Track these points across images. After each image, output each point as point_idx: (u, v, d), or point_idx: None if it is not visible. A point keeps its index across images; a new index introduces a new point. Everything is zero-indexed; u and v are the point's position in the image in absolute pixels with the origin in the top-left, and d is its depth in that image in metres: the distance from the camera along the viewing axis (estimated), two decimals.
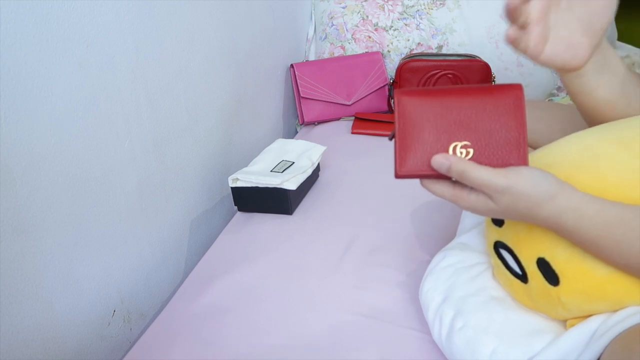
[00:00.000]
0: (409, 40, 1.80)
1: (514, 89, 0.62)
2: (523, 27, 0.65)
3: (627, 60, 1.78)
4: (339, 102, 1.74)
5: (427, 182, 0.64)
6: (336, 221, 1.19)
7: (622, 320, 0.65)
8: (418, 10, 1.80)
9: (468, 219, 0.96)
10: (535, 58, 0.68)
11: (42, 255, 0.82)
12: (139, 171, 1.02)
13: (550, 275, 0.69)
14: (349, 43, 1.82)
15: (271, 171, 1.25)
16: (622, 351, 0.61)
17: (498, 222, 0.76)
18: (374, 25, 1.81)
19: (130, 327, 1.04)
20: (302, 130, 1.74)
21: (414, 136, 0.62)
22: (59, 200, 0.84)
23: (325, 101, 1.73)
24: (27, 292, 0.80)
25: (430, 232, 1.12)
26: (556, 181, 0.62)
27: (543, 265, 0.69)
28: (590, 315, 0.70)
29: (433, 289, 0.83)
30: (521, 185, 0.60)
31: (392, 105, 0.65)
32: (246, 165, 1.30)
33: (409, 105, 0.63)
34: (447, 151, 0.62)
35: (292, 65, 1.74)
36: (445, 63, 1.69)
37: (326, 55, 1.85)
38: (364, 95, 1.76)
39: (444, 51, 1.79)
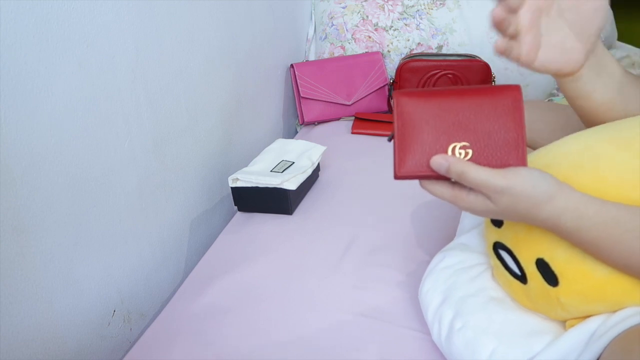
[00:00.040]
0: (409, 40, 1.80)
1: (512, 90, 0.62)
2: (514, 36, 0.65)
3: (627, 60, 1.78)
4: (339, 102, 1.74)
5: (426, 183, 0.64)
6: (336, 221, 1.20)
7: (622, 320, 0.65)
8: (418, 10, 1.80)
9: (467, 219, 0.96)
10: (528, 65, 0.68)
11: (42, 255, 0.82)
12: (139, 171, 1.02)
13: (550, 276, 0.69)
14: (349, 43, 1.82)
15: (271, 171, 1.25)
16: (622, 352, 0.61)
17: (497, 223, 0.76)
18: (374, 25, 1.81)
19: (130, 327, 1.04)
20: (302, 130, 1.74)
21: (413, 137, 0.62)
22: (59, 200, 0.84)
23: (325, 101, 1.74)
24: (27, 292, 0.80)
25: (430, 232, 1.12)
26: (555, 182, 0.62)
27: (542, 266, 0.69)
28: (589, 316, 0.70)
29: (432, 289, 0.83)
30: (520, 185, 0.60)
31: (392, 105, 0.65)
32: (246, 165, 1.30)
33: (408, 107, 0.63)
34: (446, 152, 0.62)
35: (292, 65, 1.74)
36: (445, 63, 1.69)
37: (326, 55, 1.85)
38: (364, 95, 1.76)
39: (444, 51, 1.79)
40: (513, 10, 0.64)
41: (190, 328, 0.93)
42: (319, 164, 1.36)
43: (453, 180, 0.63)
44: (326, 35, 1.85)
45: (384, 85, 1.78)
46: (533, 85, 1.75)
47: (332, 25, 1.84)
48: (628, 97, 0.73)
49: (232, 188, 1.24)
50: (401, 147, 0.63)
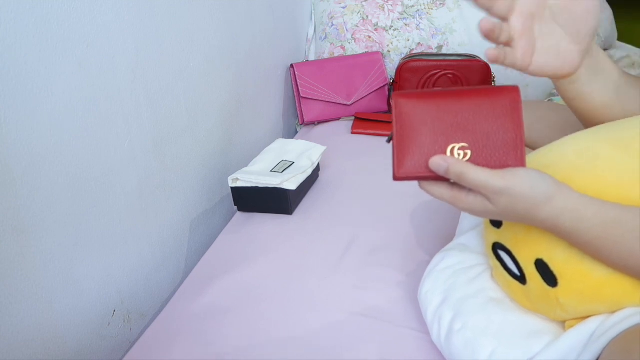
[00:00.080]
0: (409, 40, 1.80)
1: (511, 91, 0.62)
2: (508, 43, 0.66)
3: (627, 60, 1.78)
4: (339, 102, 1.74)
5: (425, 184, 0.64)
6: (336, 221, 1.20)
7: (621, 321, 0.65)
8: (418, 10, 1.80)
9: (467, 220, 0.96)
10: (524, 69, 0.68)
11: (42, 255, 0.82)
12: (139, 171, 1.02)
13: (549, 276, 0.69)
14: (349, 43, 1.82)
15: (271, 171, 1.25)
16: (621, 352, 0.61)
17: (496, 224, 0.76)
18: (374, 25, 1.81)
19: (130, 327, 1.04)
20: (302, 130, 1.75)
21: (411, 138, 0.63)
22: (59, 200, 0.84)
23: (325, 101, 1.74)
24: (27, 292, 0.80)
25: (430, 232, 1.12)
26: (554, 182, 0.62)
27: (541, 267, 0.69)
28: (588, 317, 0.70)
29: (432, 290, 0.84)
30: (519, 186, 0.60)
31: (391, 106, 0.65)
32: (246, 165, 1.30)
33: (407, 108, 0.63)
34: (444, 153, 0.62)
35: (292, 65, 1.74)
36: (445, 63, 1.69)
37: (326, 55, 1.85)
38: (364, 95, 1.76)
39: (444, 51, 1.79)
40: (503, 18, 0.64)
41: (190, 328, 0.93)
42: (319, 164, 1.36)
43: (452, 181, 0.63)
44: (326, 35, 1.86)
45: (384, 85, 1.78)
46: (533, 85, 1.75)
47: (332, 25, 1.84)
48: (626, 98, 0.73)
49: (232, 188, 1.24)
50: (400, 148, 0.63)
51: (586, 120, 0.76)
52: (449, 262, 0.86)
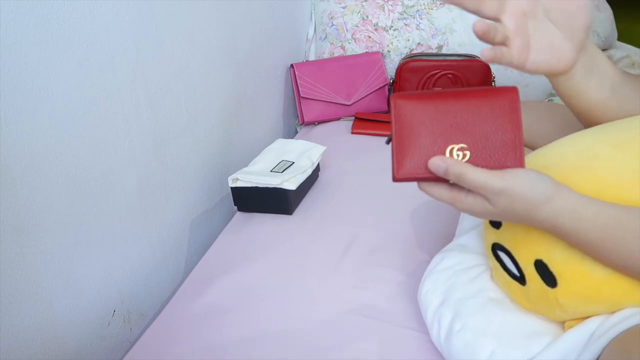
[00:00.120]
0: (409, 40, 1.80)
1: (510, 92, 0.63)
2: (503, 42, 0.66)
3: (627, 60, 1.78)
4: (339, 102, 1.74)
5: (424, 185, 0.64)
6: (336, 221, 1.20)
7: (620, 321, 0.65)
8: (418, 10, 1.80)
9: (466, 220, 0.96)
10: (521, 68, 0.68)
11: (42, 255, 0.82)
12: (139, 171, 1.02)
13: (548, 277, 0.69)
14: (349, 43, 1.82)
15: (271, 171, 1.25)
16: (621, 352, 0.61)
17: (496, 224, 0.76)
18: (374, 25, 1.81)
19: (130, 327, 1.04)
20: (302, 130, 1.75)
21: (410, 140, 0.63)
22: (59, 200, 0.84)
23: (325, 101, 1.74)
24: (27, 292, 0.80)
25: (430, 232, 1.12)
26: (553, 183, 0.62)
27: (541, 267, 0.69)
28: (588, 317, 0.70)
29: (432, 290, 0.84)
30: (518, 187, 0.60)
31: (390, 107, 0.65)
32: (246, 165, 1.30)
33: (405, 109, 0.63)
34: (444, 154, 0.62)
35: (292, 65, 1.74)
36: (445, 63, 1.70)
37: (326, 55, 1.85)
38: (364, 95, 1.76)
39: (444, 51, 1.79)
40: (494, 19, 0.65)
41: (190, 328, 0.93)
42: (319, 164, 1.36)
43: (451, 182, 0.63)
44: (326, 35, 1.86)
45: (384, 85, 1.78)
46: (533, 86, 1.75)
47: (332, 25, 1.84)
48: (623, 96, 0.73)
49: (232, 188, 1.24)
50: (399, 149, 0.63)
51: (584, 119, 0.76)
52: (448, 262, 0.86)
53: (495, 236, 0.76)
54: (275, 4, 1.62)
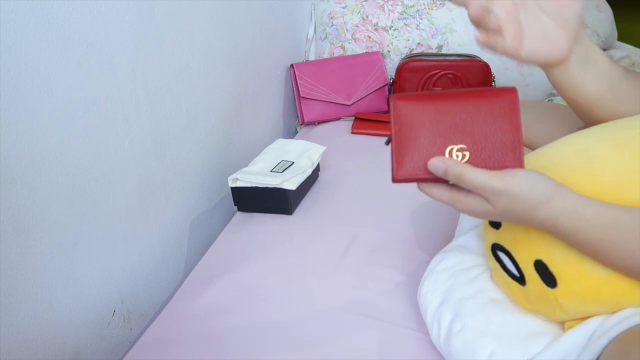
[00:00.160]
0: (409, 40, 1.80)
1: (509, 92, 0.63)
2: (497, 31, 0.67)
3: (627, 60, 1.78)
4: (339, 102, 1.74)
5: (424, 185, 0.64)
6: (336, 221, 1.20)
7: (620, 321, 0.65)
8: (418, 10, 1.80)
9: (466, 221, 0.96)
10: (516, 56, 0.69)
11: (42, 255, 0.82)
12: (139, 171, 1.02)
13: (548, 277, 0.69)
14: (349, 43, 1.82)
15: (271, 171, 1.25)
16: (620, 352, 0.61)
17: (495, 225, 0.76)
18: (374, 25, 1.81)
19: (130, 327, 1.04)
20: (302, 130, 1.75)
21: (410, 140, 0.63)
22: (59, 200, 0.84)
23: (325, 101, 1.74)
24: (27, 292, 0.80)
25: (430, 232, 1.12)
26: (553, 183, 0.62)
27: (540, 268, 0.69)
28: (588, 317, 0.70)
29: (431, 291, 0.84)
30: (517, 187, 0.60)
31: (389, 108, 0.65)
32: (246, 165, 1.30)
33: (405, 110, 0.63)
34: (443, 154, 0.62)
35: (292, 65, 1.74)
36: (445, 63, 1.70)
37: (326, 55, 1.85)
38: (364, 95, 1.76)
39: (444, 51, 1.79)
40: (485, 10, 0.66)
41: (190, 328, 0.93)
42: (319, 164, 1.36)
43: (451, 182, 0.63)
44: (326, 35, 1.86)
45: (384, 85, 1.78)
46: (533, 86, 1.75)
47: (332, 25, 1.84)
48: (623, 93, 0.74)
49: (232, 188, 1.24)
50: (398, 150, 0.63)
51: (582, 113, 0.77)
52: (448, 263, 0.86)
53: (495, 236, 0.76)
54: (275, 4, 1.62)
